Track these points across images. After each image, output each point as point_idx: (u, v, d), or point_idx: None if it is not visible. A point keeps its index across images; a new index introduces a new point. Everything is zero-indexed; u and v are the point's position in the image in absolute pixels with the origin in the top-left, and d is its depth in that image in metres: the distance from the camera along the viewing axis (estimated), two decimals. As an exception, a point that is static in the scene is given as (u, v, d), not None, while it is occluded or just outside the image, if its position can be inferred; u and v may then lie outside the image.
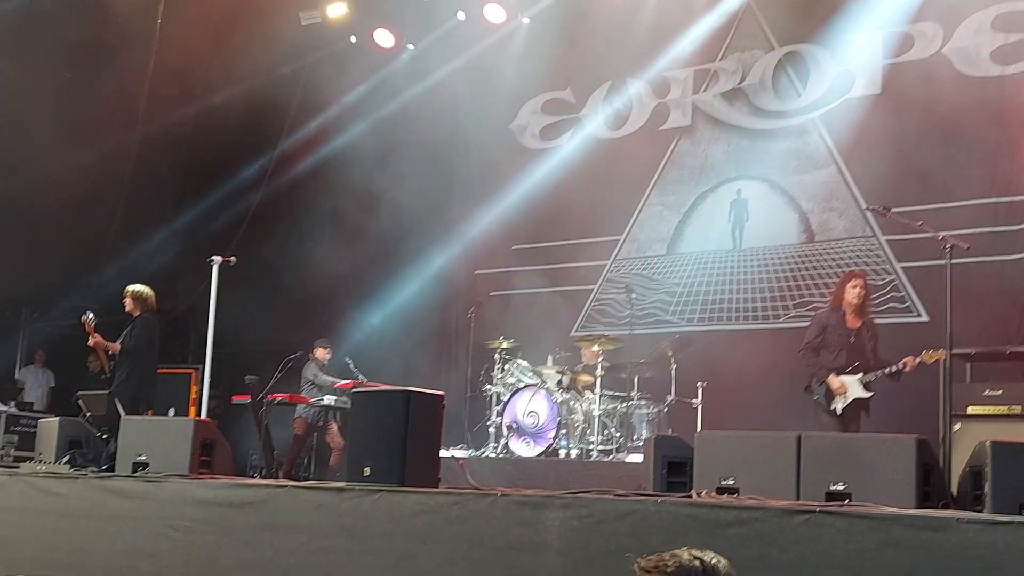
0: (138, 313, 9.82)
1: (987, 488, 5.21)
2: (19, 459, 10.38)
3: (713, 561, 2.71)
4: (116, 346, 9.61)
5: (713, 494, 5.66)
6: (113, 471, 7.71)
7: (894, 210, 8.20)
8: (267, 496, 6.53)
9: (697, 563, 2.70)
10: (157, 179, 13.21)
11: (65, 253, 12.57)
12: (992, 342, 8.78)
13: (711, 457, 6.03)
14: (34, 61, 11.71)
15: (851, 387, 8.55)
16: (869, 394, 8.52)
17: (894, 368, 8.41)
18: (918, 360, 8.17)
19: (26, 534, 7.46)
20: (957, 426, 7.56)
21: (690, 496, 5.63)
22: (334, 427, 11.83)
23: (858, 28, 11.42)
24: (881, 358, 8.64)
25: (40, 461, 8.54)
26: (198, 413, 10.60)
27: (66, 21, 11.65)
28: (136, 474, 7.46)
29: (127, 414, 8.50)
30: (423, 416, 6.46)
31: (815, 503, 5.11)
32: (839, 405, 8.54)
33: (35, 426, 10.21)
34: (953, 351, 7.24)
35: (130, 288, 9.99)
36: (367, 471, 6.36)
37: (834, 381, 8.60)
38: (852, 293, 8.79)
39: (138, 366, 9.61)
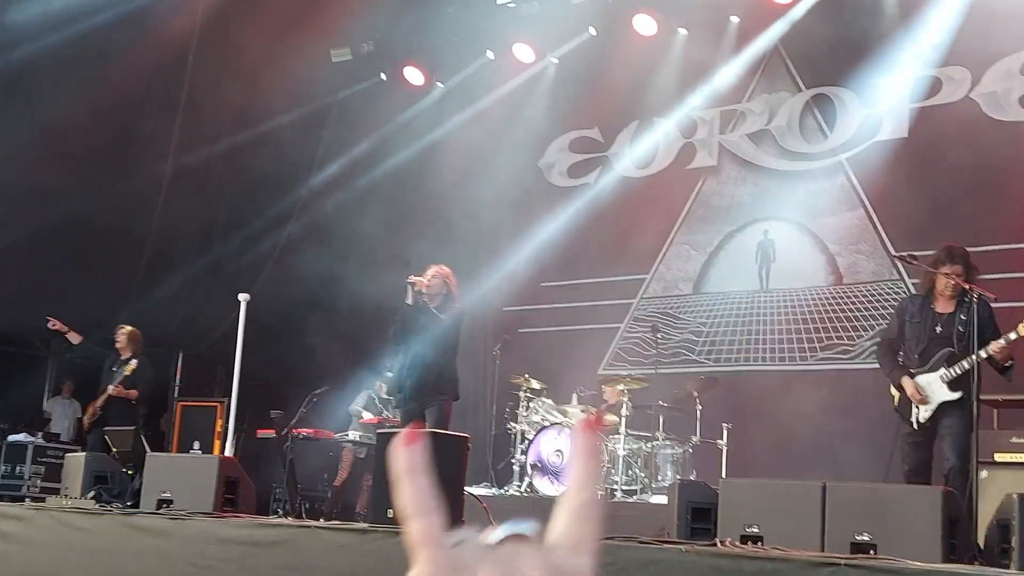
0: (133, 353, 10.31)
1: (1014, 542, 5.17)
2: (46, 490, 10.45)
3: None
4: (133, 392, 10.04)
5: (737, 542, 5.63)
6: (138, 507, 7.74)
7: (921, 256, 8.03)
8: (290, 536, 6.53)
9: None
10: (186, 214, 13.30)
11: (94, 286, 12.67)
12: (1020, 388, 8.67)
13: (735, 504, 6.00)
14: (68, 95, 11.86)
15: (933, 390, 6.94)
16: (955, 395, 6.91)
17: (988, 352, 6.63)
18: (1015, 335, 6.53)
19: (50, 569, 7.46)
20: (984, 473, 7.48)
21: (714, 544, 5.59)
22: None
23: (885, 71, 11.44)
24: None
25: (66, 495, 8.59)
26: (223, 447, 10.63)
27: (100, 58, 11.81)
28: (160, 511, 7.49)
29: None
30: (447, 458, 6.46)
31: (840, 556, 5.07)
32: (920, 415, 7.00)
33: (62, 458, 10.29)
34: (980, 397, 7.18)
35: (127, 328, 10.41)
36: (390, 513, 6.37)
37: (907, 384, 6.95)
38: (943, 283, 7.00)
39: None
